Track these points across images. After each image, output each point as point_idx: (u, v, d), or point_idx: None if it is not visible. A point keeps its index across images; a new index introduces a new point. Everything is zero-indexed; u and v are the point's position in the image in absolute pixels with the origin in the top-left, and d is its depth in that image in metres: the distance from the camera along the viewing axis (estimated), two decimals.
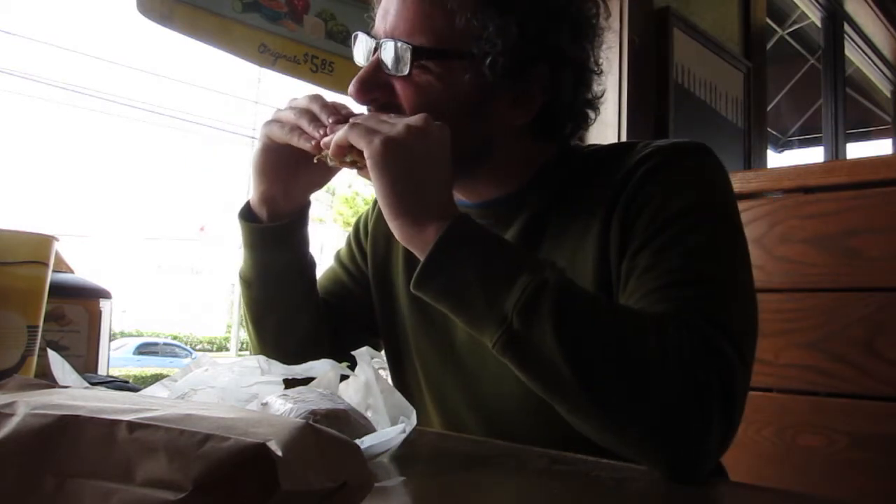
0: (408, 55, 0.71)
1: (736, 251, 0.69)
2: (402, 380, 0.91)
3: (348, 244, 0.99)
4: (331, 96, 0.77)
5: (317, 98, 0.75)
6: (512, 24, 0.70)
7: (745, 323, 0.65)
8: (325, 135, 0.70)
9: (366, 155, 0.65)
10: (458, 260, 0.62)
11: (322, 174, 0.81)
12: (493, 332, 0.60)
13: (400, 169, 0.64)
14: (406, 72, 0.71)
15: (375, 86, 0.74)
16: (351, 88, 0.74)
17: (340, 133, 0.67)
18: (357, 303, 0.95)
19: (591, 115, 0.81)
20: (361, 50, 0.77)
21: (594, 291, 0.71)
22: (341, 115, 0.72)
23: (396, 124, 0.65)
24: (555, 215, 0.77)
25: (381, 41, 0.73)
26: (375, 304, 0.93)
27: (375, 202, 0.99)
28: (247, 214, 0.84)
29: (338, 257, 1.00)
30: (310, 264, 0.88)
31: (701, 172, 0.73)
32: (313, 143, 0.71)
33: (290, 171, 0.80)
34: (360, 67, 0.75)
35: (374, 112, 0.72)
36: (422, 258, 0.63)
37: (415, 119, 0.66)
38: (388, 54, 0.72)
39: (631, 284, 0.68)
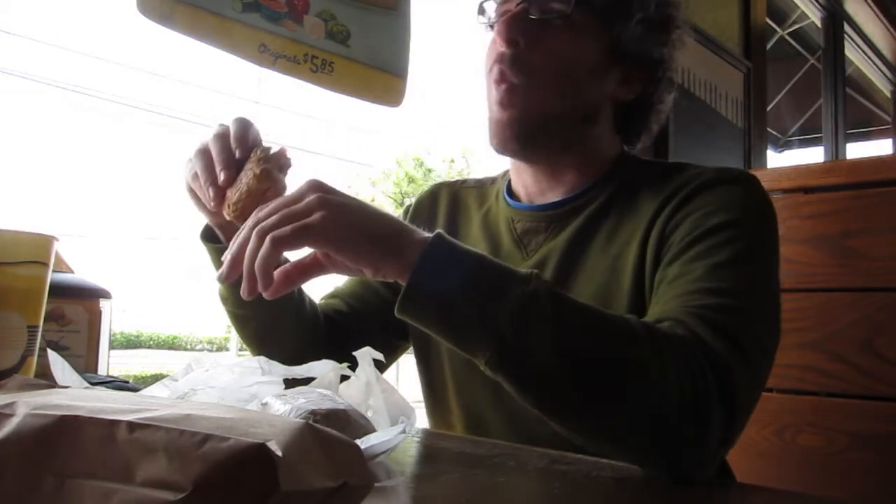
0: (561, 4, 0.77)
1: (763, 272, 0.70)
2: (429, 378, 0.91)
3: None
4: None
5: (218, 139, 0.70)
6: (651, 5, 0.80)
7: (755, 335, 0.64)
8: (219, 190, 0.67)
9: (320, 248, 0.60)
10: (441, 281, 0.59)
11: None
12: (485, 348, 0.58)
13: (351, 220, 0.60)
14: (568, 11, 0.77)
15: (521, 29, 0.78)
16: (499, 27, 0.78)
17: (263, 255, 0.58)
18: (384, 303, 0.95)
19: (657, 123, 0.88)
20: (491, 11, 0.84)
21: (630, 300, 0.74)
22: (232, 164, 0.68)
23: (307, 201, 0.59)
24: (604, 222, 0.80)
25: None
26: None
27: (408, 207, 1.00)
28: (208, 234, 0.82)
29: None
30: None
31: (742, 196, 0.74)
32: (212, 205, 0.68)
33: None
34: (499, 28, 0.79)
35: (257, 197, 0.64)
36: (404, 282, 0.59)
37: (310, 193, 0.59)
38: (538, 4, 0.78)
39: (659, 293, 0.70)
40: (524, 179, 0.89)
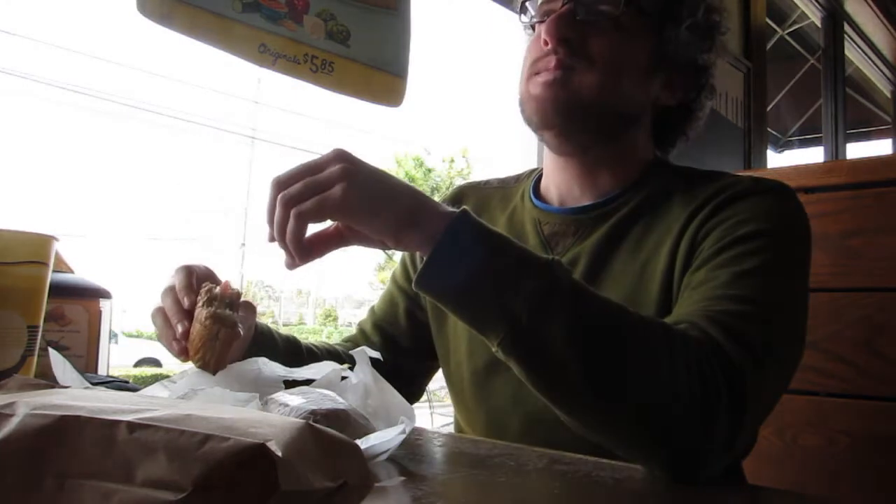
0: (610, 6, 0.77)
1: (789, 283, 0.70)
2: (451, 381, 0.92)
3: (403, 263, 1.00)
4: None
5: (166, 296, 0.72)
6: (699, 11, 0.80)
7: (772, 344, 0.64)
8: (181, 344, 0.69)
9: (342, 220, 0.62)
10: (465, 254, 0.59)
11: (246, 316, 0.76)
12: (500, 329, 0.58)
13: (374, 191, 0.60)
14: (616, 12, 0.77)
15: (570, 27, 0.78)
16: (547, 26, 0.78)
17: (291, 229, 0.60)
18: (411, 320, 0.96)
19: (695, 130, 0.88)
20: (535, 9, 0.83)
21: (657, 306, 0.73)
22: (184, 315, 0.69)
23: (329, 172, 0.60)
24: (634, 227, 0.80)
25: None
26: (428, 310, 0.94)
27: None
28: None
29: (393, 278, 1.01)
30: (272, 345, 0.84)
31: (776, 207, 0.74)
32: (182, 359, 0.70)
33: None
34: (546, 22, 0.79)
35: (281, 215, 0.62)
36: (426, 254, 0.59)
37: (333, 163, 0.61)
38: (586, 4, 0.78)
39: (683, 297, 0.70)
40: (557, 179, 0.88)
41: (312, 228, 0.64)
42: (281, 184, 0.61)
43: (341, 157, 0.61)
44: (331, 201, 0.59)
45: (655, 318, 0.62)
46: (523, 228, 0.88)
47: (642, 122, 0.85)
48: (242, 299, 0.73)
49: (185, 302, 0.70)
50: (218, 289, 0.68)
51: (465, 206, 0.62)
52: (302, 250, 0.61)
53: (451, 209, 0.61)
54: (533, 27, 0.86)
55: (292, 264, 0.63)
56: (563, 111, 0.79)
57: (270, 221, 0.62)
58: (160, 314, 0.72)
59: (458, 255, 0.59)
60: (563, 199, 0.88)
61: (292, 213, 0.60)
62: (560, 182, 0.88)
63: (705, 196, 0.76)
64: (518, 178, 0.97)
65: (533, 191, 0.91)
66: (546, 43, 0.79)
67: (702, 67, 0.84)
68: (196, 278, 0.72)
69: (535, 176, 0.93)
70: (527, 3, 0.86)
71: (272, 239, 0.63)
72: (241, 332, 0.69)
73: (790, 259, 0.71)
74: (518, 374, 0.60)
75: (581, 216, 0.84)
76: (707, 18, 0.83)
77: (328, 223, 0.66)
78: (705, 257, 0.71)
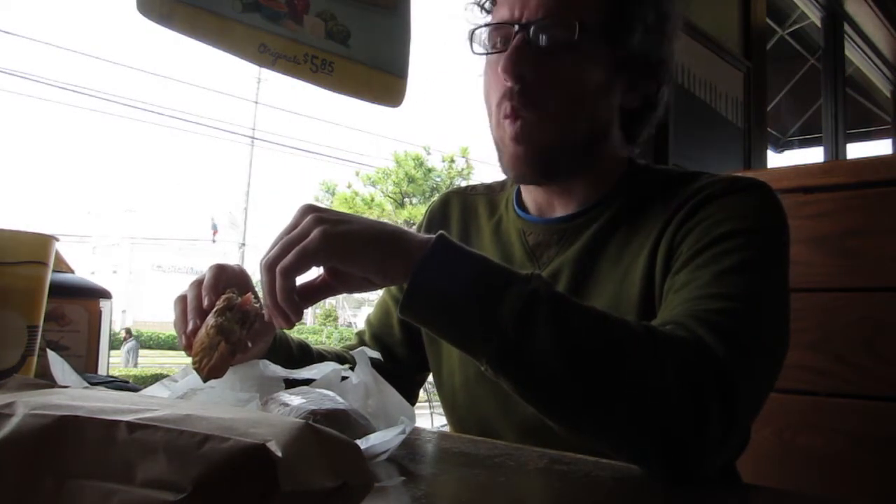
0: (565, 32, 0.76)
1: (771, 279, 0.70)
2: (443, 390, 0.92)
3: None
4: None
5: (193, 287, 0.73)
6: (650, 11, 0.79)
7: (759, 340, 0.64)
8: (189, 339, 0.68)
9: (327, 263, 0.63)
10: (445, 276, 0.60)
11: (263, 330, 0.76)
12: (486, 348, 0.58)
13: (353, 229, 0.61)
14: (573, 38, 0.76)
15: (526, 61, 0.77)
16: (504, 63, 0.76)
17: (280, 287, 0.60)
18: (405, 330, 0.96)
19: (658, 116, 0.86)
20: (486, 38, 0.81)
21: (639, 310, 0.74)
22: (201, 313, 0.69)
23: (303, 225, 0.61)
24: (615, 233, 0.80)
25: (534, 21, 0.77)
26: None
27: (420, 226, 1.01)
28: None
29: (387, 288, 1.00)
30: (287, 352, 0.85)
31: (753, 204, 0.75)
32: (183, 342, 0.70)
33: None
34: (491, 52, 0.81)
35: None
36: (407, 280, 0.60)
37: (304, 217, 0.62)
38: (541, 33, 0.77)
39: (667, 300, 0.70)
40: (534, 196, 0.89)
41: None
42: (265, 255, 0.62)
43: (309, 209, 0.63)
44: (312, 247, 0.59)
45: (641, 322, 0.62)
46: (509, 239, 0.89)
47: (611, 131, 0.84)
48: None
49: (205, 301, 0.70)
50: (239, 299, 0.67)
51: (442, 231, 0.62)
52: (294, 305, 0.61)
53: (428, 236, 0.62)
54: (489, 55, 0.83)
55: (289, 324, 0.63)
56: (538, 167, 0.80)
57: (268, 303, 0.62)
58: (180, 304, 0.73)
59: (439, 278, 0.60)
60: (541, 210, 0.88)
61: (277, 271, 0.60)
62: (537, 198, 0.89)
63: (683, 198, 0.76)
64: (503, 186, 0.98)
65: (516, 199, 0.91)
66: (506, 80, 0.77)
67: (660, 61, 0.83)
68: (225, 280, 0.72)
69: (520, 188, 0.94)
70: (476, 32, 0.83)
71: (277, 322, 0.63)
72: (246, 348, 0.68)
73: (769, 254, 0.72)
74: (508, 389, 0.60)
75: (563, 225, 0.84)
76: (659, 12, 0.81)
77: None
78: (685, 259, 0.71)
